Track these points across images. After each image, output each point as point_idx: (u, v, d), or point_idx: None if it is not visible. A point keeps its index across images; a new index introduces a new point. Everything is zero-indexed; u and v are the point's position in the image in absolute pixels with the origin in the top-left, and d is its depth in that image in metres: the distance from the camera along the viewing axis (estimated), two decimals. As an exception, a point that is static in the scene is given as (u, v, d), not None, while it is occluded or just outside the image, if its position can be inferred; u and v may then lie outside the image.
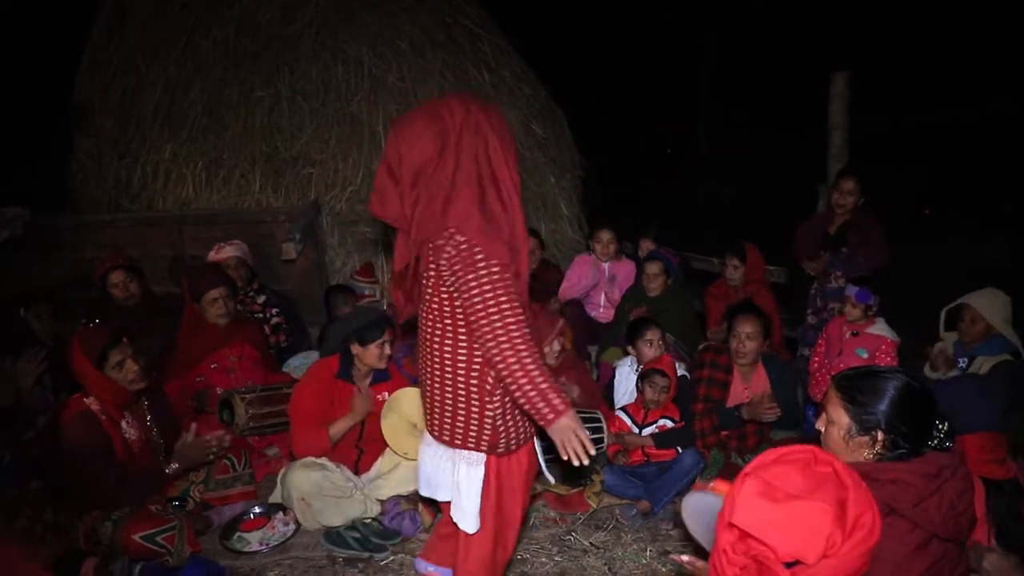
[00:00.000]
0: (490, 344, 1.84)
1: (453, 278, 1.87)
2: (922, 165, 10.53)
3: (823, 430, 1.82)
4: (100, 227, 4.89)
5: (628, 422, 3.50)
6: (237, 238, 4.40)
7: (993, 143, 10.49)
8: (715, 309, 4.49)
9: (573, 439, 1.83)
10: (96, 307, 3.98)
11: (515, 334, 1.82)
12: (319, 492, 2.98)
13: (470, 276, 1.84)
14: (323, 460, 3.11)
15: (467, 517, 2.08)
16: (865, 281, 3.55)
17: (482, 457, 2.05)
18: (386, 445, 3.27)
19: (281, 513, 3.09)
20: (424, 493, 2.25)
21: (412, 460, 3.20)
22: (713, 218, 9.86)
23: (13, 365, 3.24)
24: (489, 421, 1.99)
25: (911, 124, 11.63)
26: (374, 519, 3.06)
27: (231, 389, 3.51)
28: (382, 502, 3.11)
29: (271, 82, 5.14)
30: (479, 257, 1.83)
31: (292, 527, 3.03)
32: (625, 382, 3.81)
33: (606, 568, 2.81)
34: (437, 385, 2.05)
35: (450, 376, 2.01)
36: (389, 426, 3.14)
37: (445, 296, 1.93)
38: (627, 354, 3.92)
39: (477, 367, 1.96)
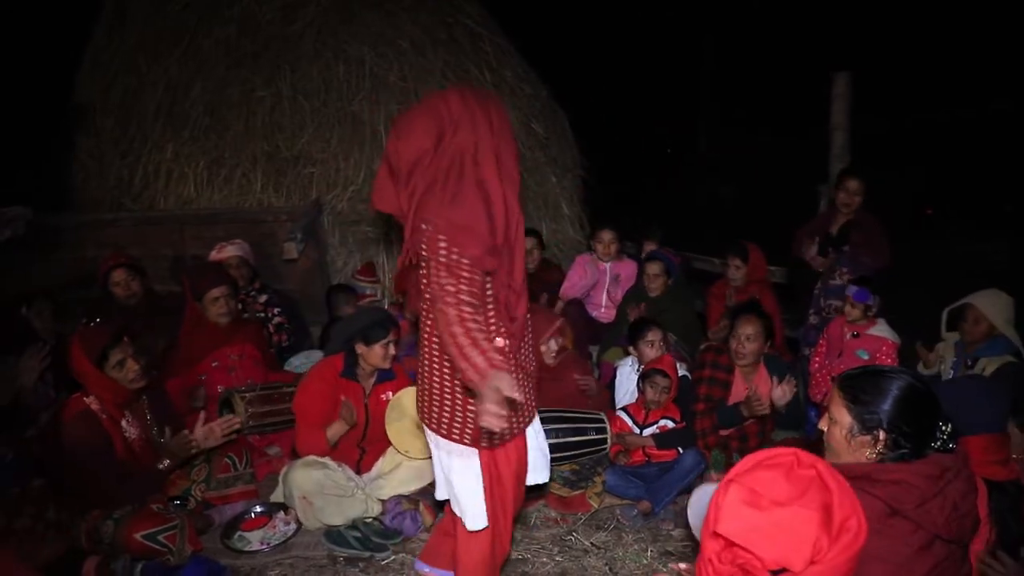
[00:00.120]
0: (443, 331, 1.85)
1: (428, 269, 1.91)
2: (922, 165, 10.53)
3: (826, 430, 1.81)
4: (102, 226, 4.89)
5: (629, 422, 3.50)
6: (238, 237, 4.40)
7: (993, 143, 10.49)
8: (716, 309, 4.49)
9: (492, 407, 1.71)
10: (97, 306, 3.99)
11: (457, 327, 1.80)
12: (321, 491, 2.99)
13: (436, 267, 1.86)
14: (325, 459, 3.11)
15: (474, 515, 2.10)
16: (866, 281, 3.55)
17: (474, 451, 2.07)
18: (388, 445, 3.27)
19: (282, 512, 3.09)
20: (439, 497, 2.27)
21: (414, 459, 3.20)
22: (714, 218, 9.86)
23: (15, 363, 3.23)
24: (472, 416, 2.01)
25: (911, 124, 11.62)
26: (375, 518, 3.06)
27: (231, 388, 3.52)
28: (383, 502, 3.12)
29: (272, 82, 5.14)
30: (442, 247, 1.85)
31: (293, 526, 3.03)
32: (626, 382, 3.81)
33: (607, 568, 2.81)
34: (426, 374, 2.09)
35: (437, 367, 2.05)
36: (393, 425, 3.14)
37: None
38: (628, 354, 3.92)
39: None
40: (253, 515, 3.12)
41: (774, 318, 3.79)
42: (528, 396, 2.17)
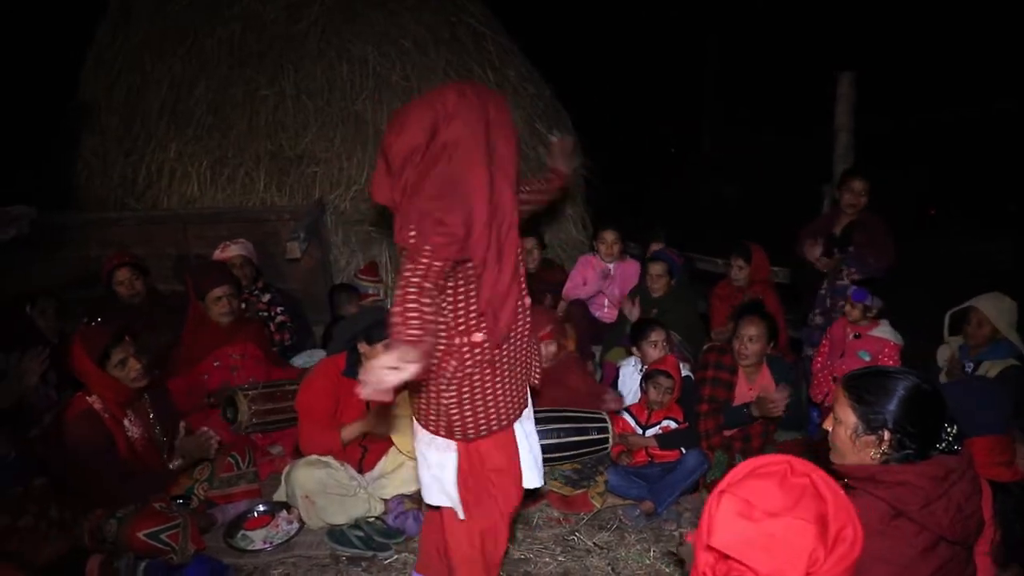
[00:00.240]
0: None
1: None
2: (925, 165, 10.50)
3: (830, 430, 1.81)
4: (105, 225, 4.90)
5: (632, 423, 3.50)
6: (241, 237, 4.41)
7: (997, 142, 10.46)
8: (719, 310, 4.48)
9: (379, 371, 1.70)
10: (100, 305, 3.99)
11: (398, 307, 1.78)
12: (323, 490, 2.99)
13: (405, 255, 1.87)
14: (327, 458, 3.12)
15: (454, 503, 2.14)
16: (870, 283, 3.53)
17: (451, 443, 2.10)
18: (390, 444, 3.28)
19: (285, 511, 3.10)
20: (428, 500, 2.28)
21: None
22: (717, 218, 9.83)
23: (19, 362, 3.24)
24: (444, 408, 2.05)
25: (914, 124, 11.59)
26: (378, 518, 3.06)
27: (234, 386, 3.52)
28: (386, 501, 3.12)
29: (276, 81, 5.14)
30: (411, 235, 1.86)
31: (296, 525, 3.04)
32: (629, 382, 3.81)
33: (609, 568, 2.81)
34: None
35: None
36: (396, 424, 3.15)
37: None
38: (631, 354, 3.92)
39: (440, 353, 2.01)
40: (256, 514, 3.12)
41: (777, 319, 3.79)
42: (516, 396, 2.16)
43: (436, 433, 2.11)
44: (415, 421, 2.19)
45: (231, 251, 4.22)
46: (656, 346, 3.68)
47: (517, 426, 2.22)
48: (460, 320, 2.00)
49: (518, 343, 2.14)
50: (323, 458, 3.11)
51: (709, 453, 3.34)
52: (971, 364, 3.25)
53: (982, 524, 1.73)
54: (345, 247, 4.98)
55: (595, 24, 14.01)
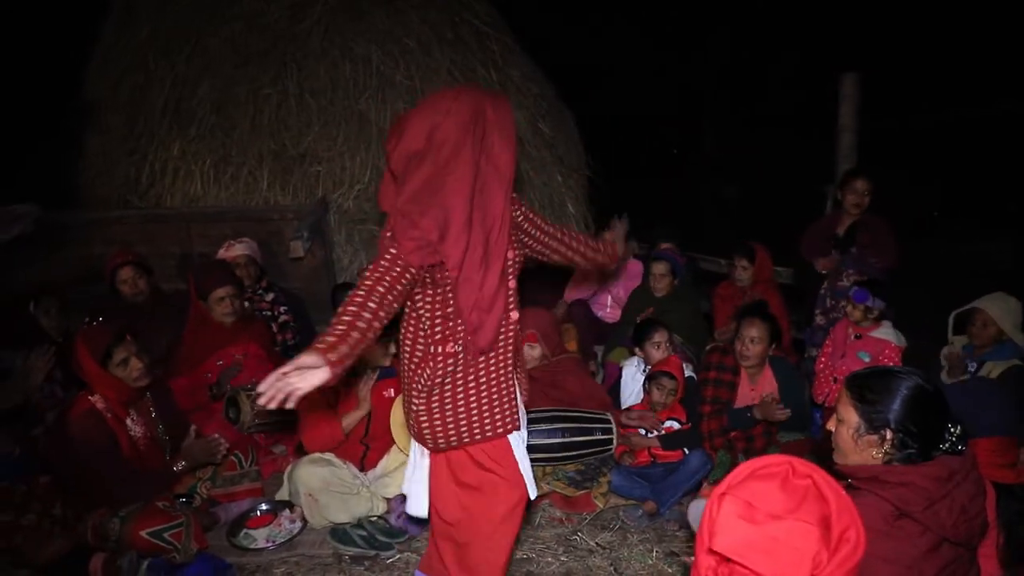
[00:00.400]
0: None
1: None
2: (927, 165, 10.49)
3: (834, 430, 1.81)
4: (109, 224, 4.90)
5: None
6: (245, 235, 4.41)
7: (998, 143, 10.45)
8: (722, 310, 4.48)
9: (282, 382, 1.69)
10: (103, 304, 4.00)
11: (354, 301, 1.79)
12: (326, 488, 2.99)
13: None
14: (330, 456, 3.12)
15: (413, 500, 2.19)
16: (874, 284, 3.52)
17: (424, 451, 2.13)
18: (391, 442, 3.28)
19: (288, 510, 3.10)
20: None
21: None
22: (720, 218, 9.84)
23: (25, 361, 3.25)
24: (415, 414, 2.05)
25: (916, 124, 11.58)
26: (380, 517, 3.06)
27: (237, 387, 3.52)
28: (388, 500, 3.12)
29: (279, 80, 5.14)
30: (387, 236, 1.88)
31: (299, 524, 3.04)
32: (632, 383, 3.80)
33: (612, 568, 2.81)
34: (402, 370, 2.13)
35: (402, 361, 2.10)
36: (397, 422, 3.15)
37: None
38: (633, 354, 3.91)
39: (417, 359, 2.01)
40: (259, 513, 3.12)
41: (780, 319, 3.78)
42: (497, 410, 2.09)
43: (413, 438, 2.13)
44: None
45: (235, 250, 4.22)
46: (659, 347, 3.67)
47: (513, 438, 2.16)
48: (437, 328, 1.97)
49: (499, 358, 2.07)
50: (326, 456, 3.11)
51: (712, 453, 3.33)
52: (974, 363, 3.24)
53: (986, 525, 1.72)
54: (348, 246, 4.98)
55: (597, 24, 14.00)
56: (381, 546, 2.92)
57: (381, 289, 1.83)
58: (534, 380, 3.55)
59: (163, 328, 3.87)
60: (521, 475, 2.16)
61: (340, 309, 1.79)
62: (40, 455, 3.05)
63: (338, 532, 2.98)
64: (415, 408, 2.04)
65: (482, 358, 2.03)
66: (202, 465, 3.14)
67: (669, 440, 3.39)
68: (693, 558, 1.61)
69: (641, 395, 3.63)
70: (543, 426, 3.32)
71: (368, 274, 1.85)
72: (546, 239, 2.27)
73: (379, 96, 5.13)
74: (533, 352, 3.72)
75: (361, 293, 1.81)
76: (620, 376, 3.91)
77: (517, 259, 2.10)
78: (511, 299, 2.07)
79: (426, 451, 2.14)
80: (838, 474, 1.58)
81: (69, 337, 3.68)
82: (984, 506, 1.69)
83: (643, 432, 3.45)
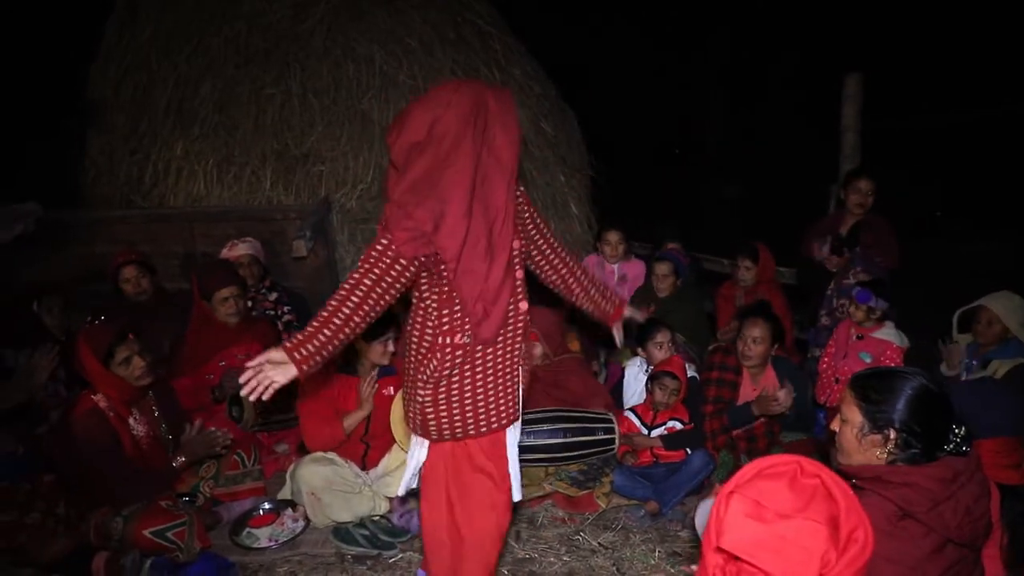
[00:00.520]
0: None
1: None
2: (929, 165, 10.48)
3: (837, 430, 1.81)
4: (111, 223, 4.90)
5: (637, 423, 3.50)
6: (248, 235, 4.41)
7: (999, 143, 10.44)
8: (725, 310, 4.47)
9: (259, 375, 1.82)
10: (106, 303, 4.00)
11: (340, 291, 1.88)
12: (329, 487, 3.00)
13: None
14: (332, 455, 3.13)
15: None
16: (876, 285, 3.52)
17: (424, 441, 2.12)
18: (392, 441, 3.28)
19: (290, 510, 3.11)
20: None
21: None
22: (722, 218, 9.83)
23: (28, 360, 3.26)
24: (420, 406, 2.04)
25: (916, 124, 11.56)
26: (383, 516, 3.07)
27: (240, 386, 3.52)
28: (390, 499, 3.12)
29: (282, 79, 5.14)
30: (381, 227, 1.89)
31: (301, 524, 3.04)
32: (634, 383, 3.80)
33: (614, 568, 2.81)
34: (404, 359, 2.13)
35: (407, 352, 2.09)
36: (397, 421, 3.15)
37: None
38: (636, 354, 3.91)
39: (424, 350, 2.01)
40: (261, 512, 3.13)
41: (783, 319, 3.78)
42: (499, 403, 2.10)
43: (414, 429, 2.13)
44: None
45: (239, 250, 4.22)
46: (662, 347, 3.67)
47: (510, 432, 2.18)
48: (444, 319, 1.97)
49: (507, 349, 2.08)
50: (328, 455, 3.12)
51: (714, 453, 3.33)
52: (975, 361, 3.23)
53: (990, 526, 1.72)
54: (351, 246, 4.98)
55: (600, 23, 13.99)
56: (383, 545, 2.92)
57: (368, 283, 1.85)
58: (536, 379, 3.55)
59: (166, 327, 3.87)
60: (508, 475, 2.17)
61: (324, 305, 1.85)
62: (44, 454, 3.05)
63: (340, 531, 2.99)
64: (420, 398, 2.03)
65: (490, 349, 2.03)
66: (203, 460, 3.14)
67: (671, 440, 3.39)
68: (695, 567, 1.61)
69: (644, 395, 3.63)
70: (545, 426, 3.32)
71: (359, 265, 1.87)
72: (546, 248, 2.26)
73: (382, 96, 5.13)
74: (535, 351, 3.71)
75: (345, 288, 1.86)
76: (623, 376, 3.91)
77: (524, 249, 2.10)
78: (519, 289, 2.06)
79: (425, 443, 2.13)
80: (842, 475, 1.57)
81: (72, 336, 3.68)
82: (988, 507, 1.69)
83: (644, 432, 3.44)
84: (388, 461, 3.28)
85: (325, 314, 1.86)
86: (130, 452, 2.87)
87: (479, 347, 2.01)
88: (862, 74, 4.73)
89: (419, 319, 2.02)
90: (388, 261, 1.86)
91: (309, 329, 1.86)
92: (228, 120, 5.14)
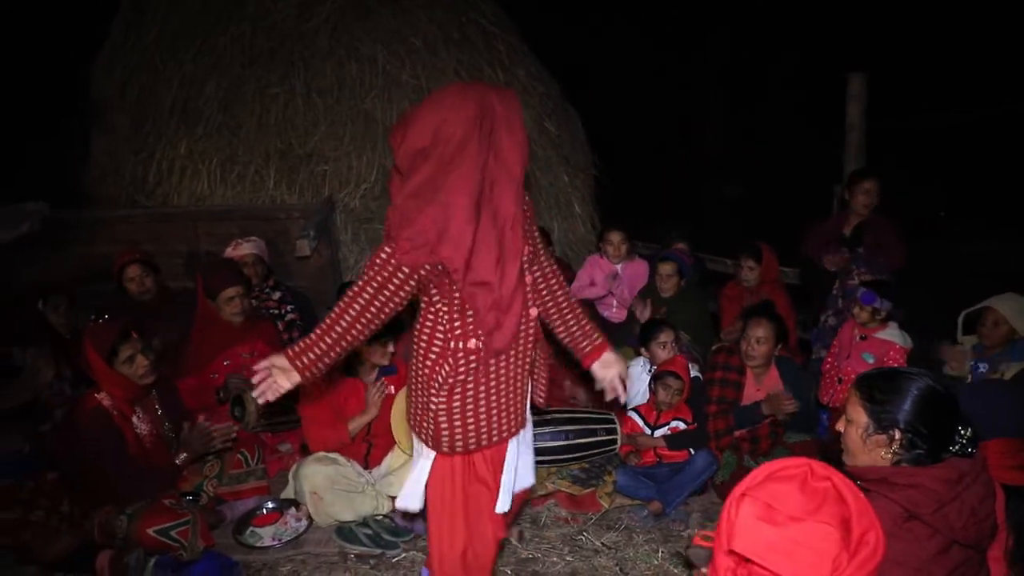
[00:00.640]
0: None
1: None
2: (930, 165, 10.45)
3: (843, 430, 1.80)
4: (115, 223, 4.92)
5: (640, 423, 3.50)
6: (251, 234, 4.41)
7: (1001, 143, 10.41)
8: (729, 310, 4.47)
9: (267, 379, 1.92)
10: (110, 302, 4.01)
11: (341, 301, 1.91)
12: (331, 486, 3.00)
13: None
14: (335, 455, 3.13)
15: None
16: (881, 285, 3.51)
17: (430, 453, 2.06)
18: (394, 440, 3.28)
19: (293, 509, 3.11)
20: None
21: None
22: (725, 218, 9.82)
23: (34, 358, 3.27)
24: (433, 414, 1.98)
25: (917, 124, 11.53)
26: (386, 516, 3.07)
27: (243, 386, 3.53)
28: (394, 499, 3.11)
29: (286, 79, 5.16)
30: (386, 235, 1.88)
31: (304, 523, 3.05)
32: (637, 383, 3.79)
33: (617, 568, 2.81)
34: (411, 367, 2.08)
35: (415, 358, 2.04)
36: (397, 421, 3.15)
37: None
38: (639, 354, 3.91)
39: (434, 355, 1.97)
40: (265, 511, 3.14)
41: (787, 319, 3.77)
42: (508, 413, 2.06)
43: (424, 441, 2.06)
44: (408, 421, 2.16)
45: (243, 249, 4.22)
46: (665, 347, 3.67)
47: (511, 443, 2.13)
48: (456, 324, 1.93)
49: (521, 357, 2.04)
50: (330, 455, 3.12)
51: (718, 454, 3.33)
52: (983, 365, 3.21)
53: (996, 528, 1.71)
54: (354, 245, 4.99)
55: (599, 23, 13.98)
56: (387, 544, 2.92)
57: (368, 293, 1.85)
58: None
59: (170, 326, 3.88)
60: (499, 487, 2.12)
61: (327, 314, 1.88)
62: (48, 452, 3.06)
63: (344, 531, 2.99)
64: (434, 407, 1.97)
65: (502, 357, 1.98)
66: (207, 459, 3.15)
67: (675, 440, 3.38)
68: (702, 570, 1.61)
69: (647, 395, 3.63)
70: (547, 428, 3.32)
71: (361, 274, 1.87)
72: (546, 266, 2.17)
73: (385, 96, 5.14)
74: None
75: (346, 298, 1.87)
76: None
77: (531, 255, 2.05)
78: (529, 296, 2.03)
79: (431, 455, 2.06)
80: (849, 476, 1.57)
81: (78, 335, 3.69)
82: (994, 508, 1.68)
83: (648, 432, 3.44)
84: (391, 460, 3.28)
85: (326, 323, 1.88)
86: (134, 450, 2.87)
87: (494, 357, 1.97)
88: (866, 74, 4.72)
89: (428, 323, 1.98)
90: (389, 271, 1.84)
91: (311, 337, 1.89)
92: (232, 119, 5.16)
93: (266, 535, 3.01)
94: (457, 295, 1.89)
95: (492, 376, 1.99)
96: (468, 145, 1.81)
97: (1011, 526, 1.84)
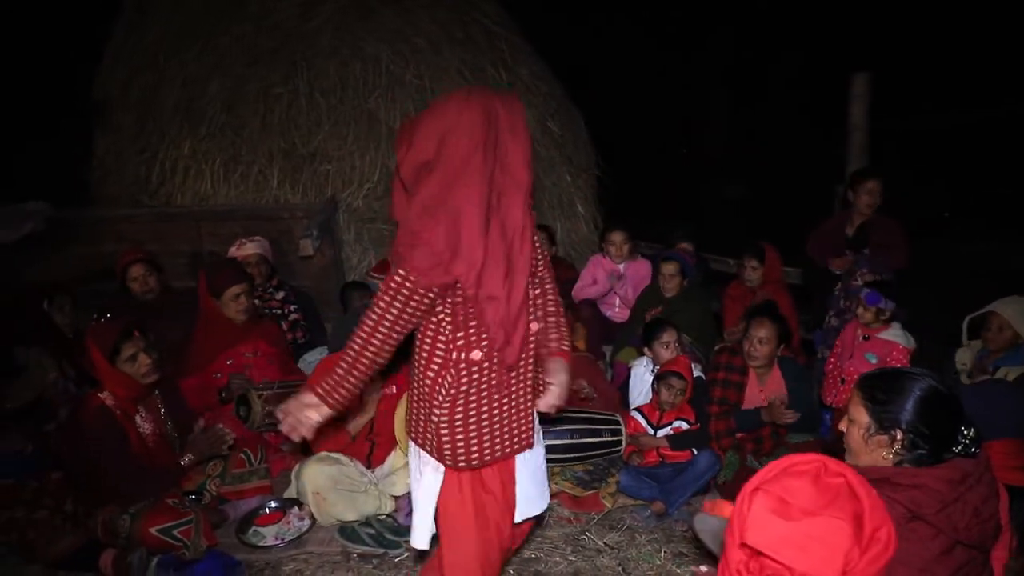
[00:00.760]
0: None
1: None
2: (931, 165, 10.44)
3: (845, 431, 1.80)
4: (119, 222, 4.93)
5: (643, 423, 3.49)
6: (255, 234, 4.42)
7: (1003, 143, 10.39)
8: (732, 310, 4.46)
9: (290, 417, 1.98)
10: (111, 302, 4.02)
11: (362, 331, 1.88)
12: (334, 486, 3.00)
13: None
14: (337, 454, 3.13)
15: (418, 530, 2.08)
16: (884, 286, 3.50)
17: (440, 466, 2.01)
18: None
19: (296, 508, 3.11)
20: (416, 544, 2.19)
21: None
22: (726, 218, 9.80)
23: (39, 358, 3.28)
24: (435, 426, 1.94)
25: (918, 124, 11.51)
26: (388, 515, 3.07)
27: (248, 386, 3.53)
28: (396, 498, 3.12)
29: (289, 79, 5.16)
30: (395, 259, 1.86)
31: (307, 522, 3.05)
32: (640, 383, 3.79)
33: (620, 569, 2.80)
34: (412, 378, 2.05)
35: (416, 368, 2.00)
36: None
37: None
38: (642, 354, 3.91)
39: (436, 366, 1.93)
40: (267, 510, 3.13)
41: (790, 320, 3.76)
42: (515, 426, 2.03)
43: (429, 451, 2.01)
44: (408, 433, 2.11)
45: (247, 249, 4.22)
46: (668, 347, 3.66)
47: (519, 459, 2.10)
48: (459, 335, 1.88)
49: (524, 370, 2.01)
50: (333, 454, 3.12)
51: (720, 454, 3.32)
52: (990, 368, 3.20)
53: (999, 528, 1.71)
54: (357, 245, 5.00)
55: (602, 23, 13.98)
56: (389, 544, 2.92)
57: (390, 317, 1.84)
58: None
59: (173, 326, 3.88)
60: (513, 503, 2.10)
61: (348, 344, 1.89)
62: (52, 451, 3.07)
63: (346, 530, 2.99)
64: (435, 419, 1.93)
65: (513, 370, 1.96)
66: (210, 459, 3.15)
67: (678, 440, 3.38)
68: (703, 568, 1.61)
69: (650, 395, 3.62)
70: (552, 427, 3.32)
71: (374, 303, 1.85)
72: (537, 273, 2.14)
73: (389, 95, 5.15)
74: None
75: (367, 326, 1.86)
76: (628, 376, 3.90)
77: (533, 266, 2.00)
78: (531, 309, 2.00)
79: (441, 470, 2.02)
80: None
81: (82, 334, 3.70)
82: (997, 508, 1.68)
83: (650, 432, 3.44)
84: (394, 459, 3.28)
85: (351, 356, 1.88)
86: (137, 450, 2.87)
87: (497, 369, 1.94)
88: (869, 74, 4.72)
89: (429, 336, 1.93)
90: (406, 294, 1.80)
91: (338, 373, 1.91)
92: (235, 119, 5.17)
93: (269, 534, 3.01)
94: (460, 306, 1.86)
95: (496, 389, 1.96)
96: (474, 156, 1.77)
97: (1014, 526, 1.84)
